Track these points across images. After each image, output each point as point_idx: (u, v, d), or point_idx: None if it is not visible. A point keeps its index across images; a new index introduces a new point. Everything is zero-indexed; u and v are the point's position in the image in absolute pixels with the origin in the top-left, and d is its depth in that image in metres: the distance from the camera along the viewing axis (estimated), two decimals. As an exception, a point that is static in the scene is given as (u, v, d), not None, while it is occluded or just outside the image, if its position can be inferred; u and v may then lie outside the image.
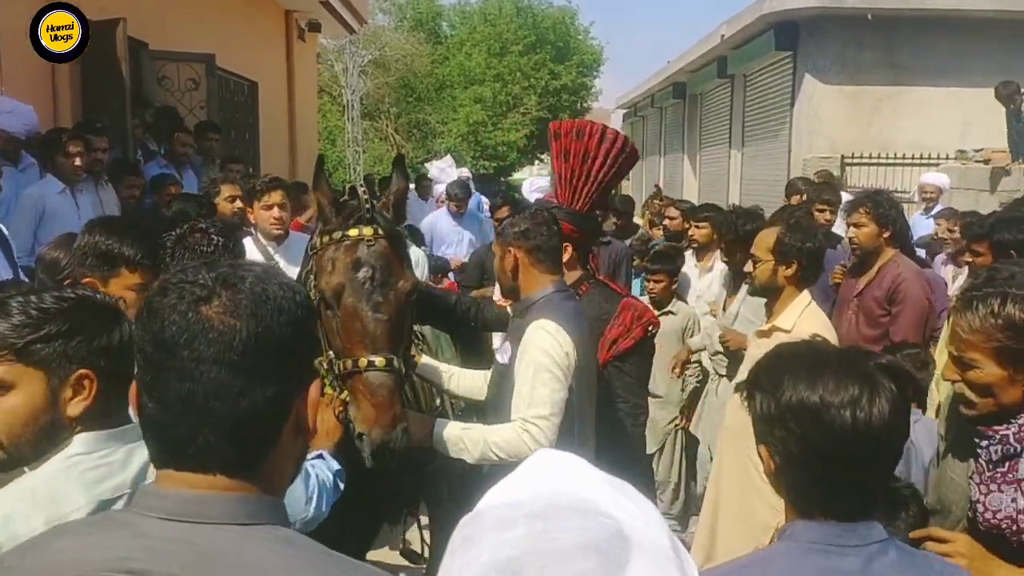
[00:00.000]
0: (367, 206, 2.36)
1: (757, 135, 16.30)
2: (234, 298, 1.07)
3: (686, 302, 5.27)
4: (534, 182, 9.88)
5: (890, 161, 8.84)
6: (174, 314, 1.06)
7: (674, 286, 5.13)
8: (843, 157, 12.36)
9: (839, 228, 5.80)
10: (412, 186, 8.67)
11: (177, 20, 8.21)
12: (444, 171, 10.04)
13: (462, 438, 2.53)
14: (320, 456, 2.25)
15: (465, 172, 12.78)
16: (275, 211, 4.39)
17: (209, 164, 7.08)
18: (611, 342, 3.24)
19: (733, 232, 4.66)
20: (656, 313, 4.95)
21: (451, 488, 2.94)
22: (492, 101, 30.20)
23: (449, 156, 12.16)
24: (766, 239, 3.45)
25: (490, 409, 2.79)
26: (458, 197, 8.35)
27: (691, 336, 5.01)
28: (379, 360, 2.21)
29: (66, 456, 1.48)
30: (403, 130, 29.10)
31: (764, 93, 15.79)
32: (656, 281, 5.03)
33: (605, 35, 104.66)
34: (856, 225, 4.61)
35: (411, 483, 2.93)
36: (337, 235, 2.34)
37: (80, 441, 1.50)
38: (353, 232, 2.32)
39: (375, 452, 2.18)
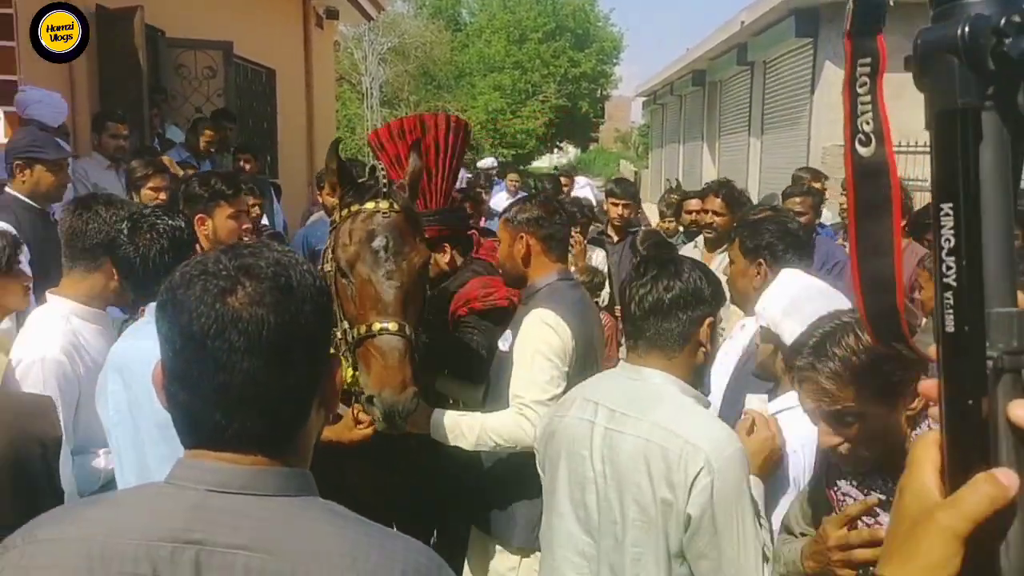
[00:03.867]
0: (384, 182, 2.44)
1: (776, 123, 16.16)
2: (258, 288, 1.09)
3: None
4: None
5: (909, 149, 8.70)
6: (201, 306, 1.07)
7: None
8: (863, 146, 12.22)
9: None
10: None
11: (194, 8, 8.23)
12: None
13: (459, 423, 2.55)
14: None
15: (492, 161, 12.76)
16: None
17: (224, 153, 7.12)
18: (465, 300, 3.15)
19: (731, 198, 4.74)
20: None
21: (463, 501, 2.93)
22: (511, 89, 30.12)
23: None
24: None
25: (488, 397, 2.79)
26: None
27: None
28: (391, 324, 2.27)
29: None
30: (422, 118, 29.04)
31: (784, 80, 15.65)
32: None
33: (625, 22, 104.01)
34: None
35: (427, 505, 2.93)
36: (355, 208, 2.42)
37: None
38: (370, 205, 2.41)
39: (386, 414, 2.21)
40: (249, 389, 1.07)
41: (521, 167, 25.38)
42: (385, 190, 2.43)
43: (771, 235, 2.99)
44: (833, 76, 13.12)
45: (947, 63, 0.68)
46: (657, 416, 1.91)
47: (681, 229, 6.95)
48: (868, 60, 0.75)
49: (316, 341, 1.15)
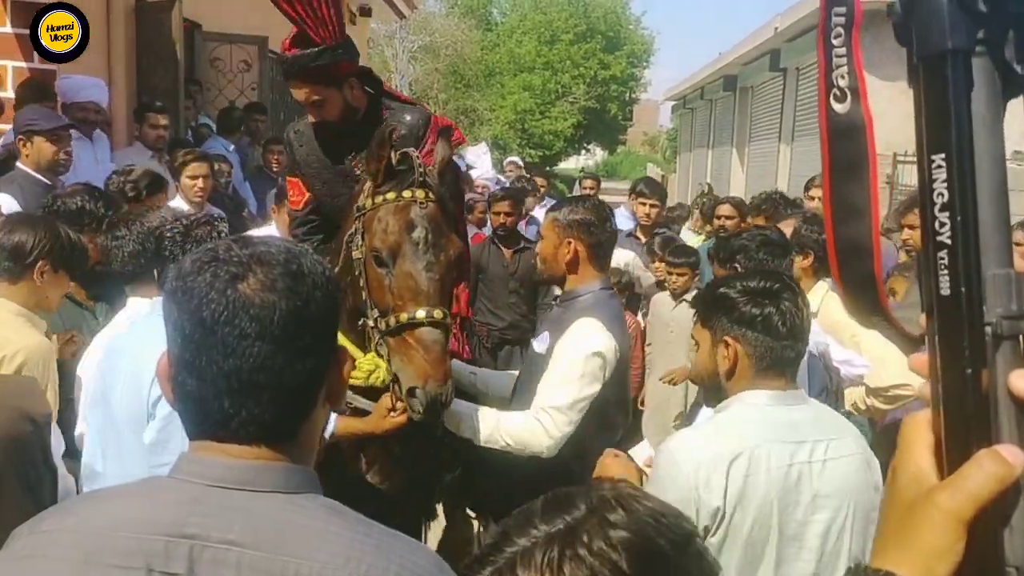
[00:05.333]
0: (421, 171, 2.41)
1: (808, 130, 16.04)
2: (270, 274, 1.08)
3: None
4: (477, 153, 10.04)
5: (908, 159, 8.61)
6: (212, 292, 1.06)
7: (696, 279, 5.09)
8: (895, 155, 12.09)
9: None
10: None
11: (230, 3, 8.30)
12: (480, 157, 9.98)
13: (473, 416, 2.53)
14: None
15: (516, 160, 12.73)
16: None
17: (255, 145, 7.19)
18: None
19: (772, 211, 4.78)
20: (672, 304, 4.98)
21: (498, 483, 2.92)
22: (540, 89, 30.14)
23: (483, 143, 12.07)
24: (784, 231, 3.48)
25: (516, 397, 2.75)
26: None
27: None
28: (437, 312, 2.27)
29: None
30: (451, 116, 29.09)
31: (817, 87, 15.52)
32: (679, 275, 5.03)
33: (656, 25, 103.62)
34: (911, 227, 4.42)
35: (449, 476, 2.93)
36: (391, 196, 2.40)
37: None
38: (407, 194, 2.39)
39: (429, 406, 2.22)
40: (258, 375, 1.06)
41: (548, 168, 25.36)
42: (421, 179, 2.41)
43: (742, 240, 3.20)
44: (867, 84, 12.99)
45: (936, 3, 0.63)
46: (845, 425, 2.00)
47: (704, 232, 6.92)
48: (843, 10, 0.71)
49: (325, 329, 1.14)
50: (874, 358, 3.13)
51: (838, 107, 0.72)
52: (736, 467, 1.85)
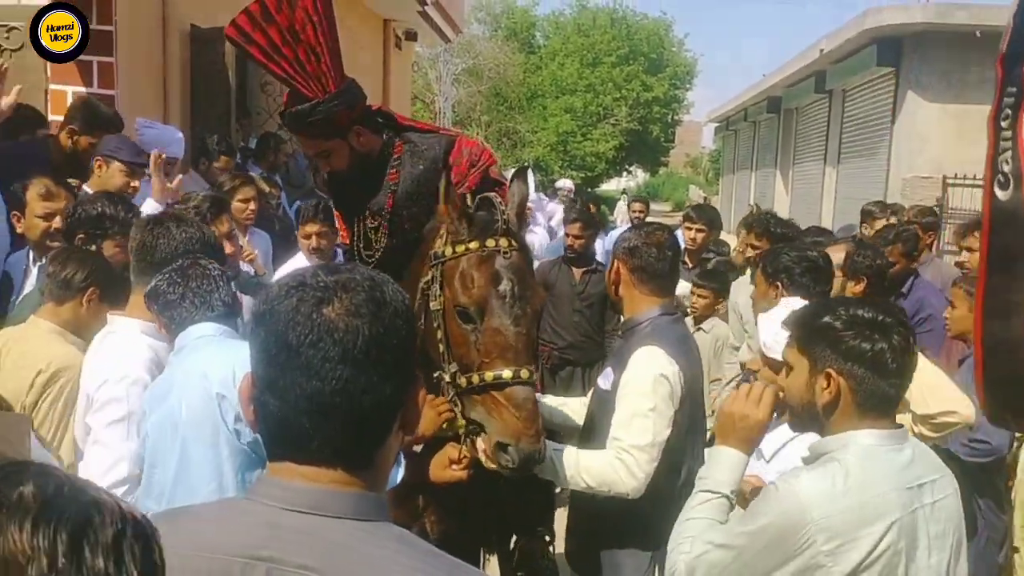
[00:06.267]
0: (504, 218, 2.31)
1: (854, 152, 15.89)
2: (354, 300, 1.11)
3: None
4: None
5: None
6: (298, 315, 1.10)
7: (718, 306, 4.97)
8: (945, 177, 11.93)
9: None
10: None
11: (281, 29, 8.50)
12: None
13: (552, 459, 2.42)
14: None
15: (568, 183, 12.70)
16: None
17: (310, 169, 7.34)
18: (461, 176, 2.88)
19: (763, 229, 4.70)
20: (692, 330, 4.90)
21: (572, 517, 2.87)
22: (583, 111, 30.20)
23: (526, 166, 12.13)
24: (834, 256, 3.45)
25: (585, 434, 2.71)
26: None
27: (717, 356, 4.88)
28: (524, 373, 2.19)
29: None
30: (493, 138, 29.25)
31: (863, 109, 15.39)
32: (701, 296, 4.93)
33: (700, 47, 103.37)
34: (970, 249, 4.37)
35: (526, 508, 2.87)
36: (474, 245, 2.28)
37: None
38: (491, 243, 2.28)
39: (525, 462, 2.17)
40: (339, 397, 1.08)
41: (589, 189, 25.33)
42: (504, 227, 2.29)
43: (789, 260, 3.23)
44: (914, 106, 12.85)
45: None
46: (938, 460, 1.95)
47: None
48: (1015, 91, 0.70)
49: (404, 356, 1.16)
50: (923, 385, 3.10)
51: (1001, 194, 0.71)
52: (872, 534, 1.74)
